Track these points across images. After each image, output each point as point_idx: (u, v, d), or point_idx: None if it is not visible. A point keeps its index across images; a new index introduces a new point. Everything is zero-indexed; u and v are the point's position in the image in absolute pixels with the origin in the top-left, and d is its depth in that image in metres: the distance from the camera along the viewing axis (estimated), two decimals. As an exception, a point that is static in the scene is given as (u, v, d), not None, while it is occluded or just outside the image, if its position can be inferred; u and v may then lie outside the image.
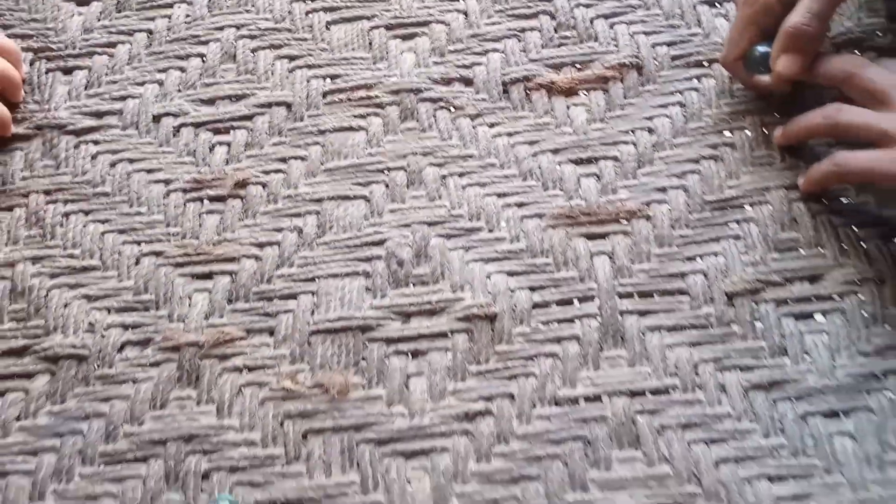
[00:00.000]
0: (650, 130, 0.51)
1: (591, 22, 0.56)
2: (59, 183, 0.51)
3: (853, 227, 0.47)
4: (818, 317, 0.45)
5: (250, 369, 0.45)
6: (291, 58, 0.55)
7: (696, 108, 0.52)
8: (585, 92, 0.53)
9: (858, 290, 0.45)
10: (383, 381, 0.44)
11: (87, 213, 0.50)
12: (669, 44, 0.55)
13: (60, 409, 0.44)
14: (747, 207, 0.49)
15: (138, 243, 0.49)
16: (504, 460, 0.42)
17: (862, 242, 0.47)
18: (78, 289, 0.47)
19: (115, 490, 0.41)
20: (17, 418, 0.44)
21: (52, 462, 0.42)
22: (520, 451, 0.42)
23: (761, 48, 0.49)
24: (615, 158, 0.50)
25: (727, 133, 0.51)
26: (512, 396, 0.43)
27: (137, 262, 0.48)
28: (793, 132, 0.48)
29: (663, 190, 0.49)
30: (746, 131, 0.51)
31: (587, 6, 0.56)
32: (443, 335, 0.45)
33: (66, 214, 0.50)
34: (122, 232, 0.49)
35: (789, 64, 0.47)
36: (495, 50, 0.55)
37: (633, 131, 0.51)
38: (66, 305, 0.47)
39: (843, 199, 0.48)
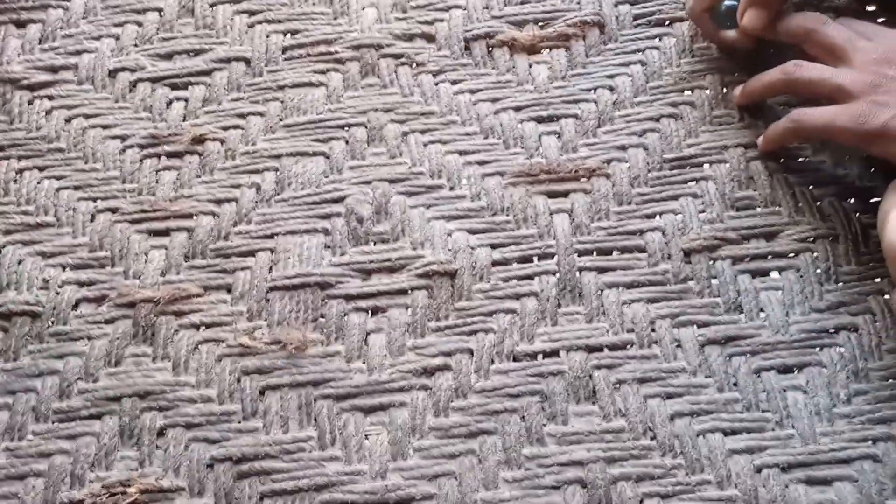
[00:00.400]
0: (611, 89, 0.51)
1: (555, -21, 0.55)
2: (12, 139, 0.50)
3: (808, 186, 0.48)
4: (773, 274, 0.46)
5: (207, 326, 0.44)
6: (251, 13, 0.54)
7: (656, 66, 0.52)
8: (547, 50, 0.53)
9: (812, 247, 0.46)
10: (342, 337, 0.44)
11: (41, 169, 0.49)
12: (632, 2, 0.54)
13: (13, 367, 0.43)
14: (705, 166, 0.49)
15: (94, 200, 0.48)
16: (462, 414, 0.42)
17: (817, 201, 0.47)
18: (32, 245, 0.46)
19: (69, 447, 0.41)
20: (-31, 375, 0.43)
21: (5, 419, 0.42)
22: (478, 405, 0.42)
23: (728, 2, 0.49)
24: (576, 116, 0.50)
25: (687, 92, 0.51)
26: (471, 352, 0.44)
27: (93, 219, 0.47)
28: (752, 90, 0.49)
29: (623, 148, 0.49)
30: (706, 90, 0.51)
31: (551, -36, 0.56)
32: (402, 292, 0.45)
33: (20, 171, 0.49)
34: (77, 188, 0.48)
35: (755, 18, 0.47)
36: (458, 6, 0.54)
37: (594, 90, 0.51)
38: (19, 262, 0.46)
39: (800, 159, 0.49)
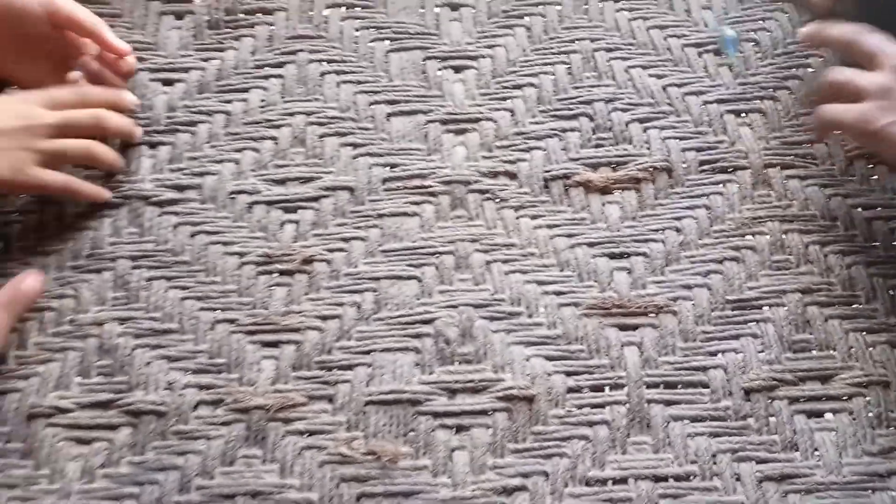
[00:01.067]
0: (678, 230, 0.57)
1: (627, 125, 0.61)
2: (143, 250, 0.57)
3: (862, 332, 0.52)
4: (828, 415, 0.50)
5: (311, 433, 0.49)
6: (355, 145, 0.61)
7: (720, 211, 0.57)
8: (619, 191, 0.58)
9: (865, 392, 0.50)
10: (430, 452, 0.49)
11: (168, 279, 0.55)
12: (698, 149, 0.60)
13: (140, 460, 0.49)
14: (765, 308, 0.53)
15: (213, 310, 0.54)
16: (537, 533, 0.46)
17: (870, 347, 0.51)
18: (158, 349, 0.53)
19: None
20: (102, 466, 0.49)
21: (131, 509, 0.47)
22: (551, 525, 0.46)
23: None
24: (645, 255, 0.56)
25: (748, 237, 0.56)
26: (546, 475, 0.48)
27: (212, 328, 0.53)
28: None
29: (689, 287, 0.54)
30: (766, 236, 0.56)
31: (623, 110, 0.62)
32: (484, 413, 0.50)
33: (150, 280, 0.55)
34: (199, 299, 0.55)
35: None
36: (538, 148, 0.60)
37: (662, 230, 0.57)
38: (147, 364, 0.52)
39: (854, 305, 0.53)
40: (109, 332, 0.53)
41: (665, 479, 0.48)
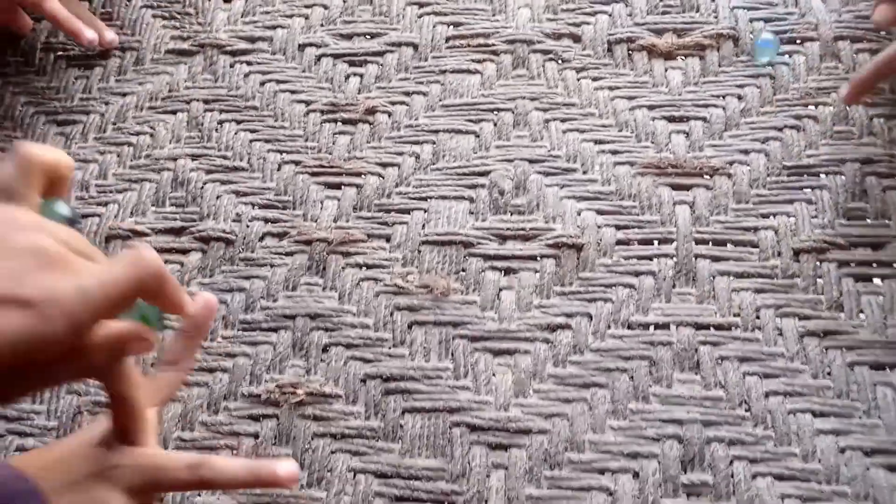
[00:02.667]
0: (739, 97, 0.56)
1: (697, -6, 0.60)
2: (216, 94, 0.59)
3: (921, 203, 0.51)
4: (876, 280, 0.50)
5: (368, 267, 0.52)
6: (420, 4, 0.62)
7: (784, 81, 0.56)
8: (683, 57, 0.58)
9: (917, 260, 0.50)
10: (479, 289, 0.51)
11: (238, 122, 0.58)
12: (766, 20, 0.59)
13: (209, 282, 0.52)
14: (822, 176, 0.53)
15: (280, 152, 0.57)
16: (578, 367, 0.48)
17: (927, 218, 0.51)
18: (228, 185, 0.56)
19: (251, 352, 0.50)
20: (174, 285, 0.53)
21: (201, 323, 0.51)
22: (592, 361, 0.48)
23: None
24: (704, 119, 0.56)
25: (811, 107, 0.56)
26: (590, 316, 0.50)
27: (279, 168, 0.56)
28: (858, 82, 0.52)
29: (746, 152, 0.54)
30: (829, 107, 0.55)
31: (694, -21, 0.61)
32: (533, 258, 0.52)
33: (221, 122, 0.58)
34: (267, 141, 0.57)
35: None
36: (604, 12, 0.60)
37: (723, 97, 0.56)
38: (218, 197, 0.55)
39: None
40: (183, 166, 0.57)
41: (707, 327, 0.49)
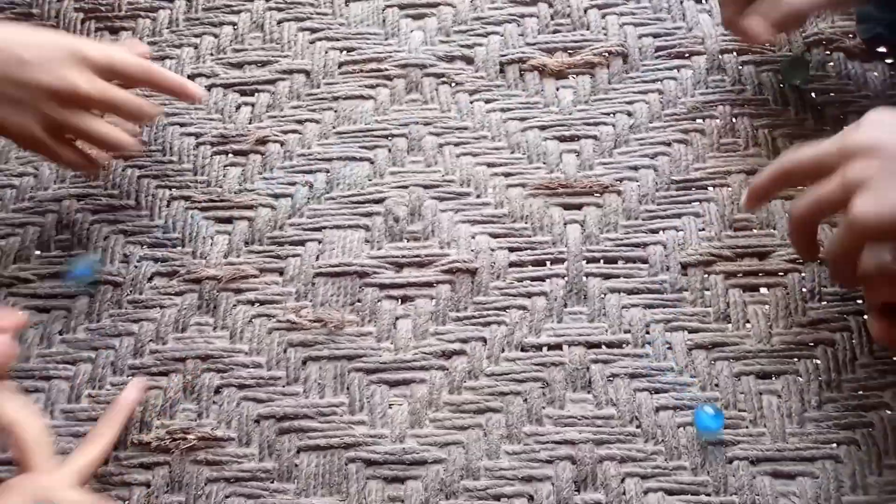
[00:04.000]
0: (629, 114, 0.57)
1: (585, 11, 0.61)
2: (102, 131, 0.58)
3: (802, 212, 0.53)
4: (762, 290, 0.51)
5: (261, 303, 0.52)
6: (312, 30, 0.61)
7: (672, 95, 0.57)
8: (574, 76, 0.59)
9: (801, 268, 0.51)
10: (375, 320, 0.51)
11: (125, 159, 0.57)
12: (655, 35, 0.60)
13: (97, 327, 0.51)
14: (710, 188, 0.54)
15: (169, 188, 0.56)
16: (473, 393, 0.48)
17: (808, 226, 0.52)
18: (116, 224, 0.54)
19: (140, 397, 0.49)
20: (60, 332, 0.51)
21: (88, 371, 0.50)
22: (487, 386, 0.48)
23: None
24: (595, 137, 0.56)
25: (699, 120, 0.57)
26: (484, 340, 0.50)
27: (168, 205, 0.55)
28: (756, 190, 0.48)
29: (635, 168, 0.55)
30: (716, 120, 0.56)
31: (583, -4, 0.62)
32: (429, 284, 0.52)
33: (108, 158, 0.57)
34: (156, 177, 0.56)
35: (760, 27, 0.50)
36: (495, 32, 0.60)
37: (613, 114, 0.57)
38: (105, 238, 0.54)
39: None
40: (68, 207, 0.55)
41: (598, 345, 0.49)
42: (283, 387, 0.49)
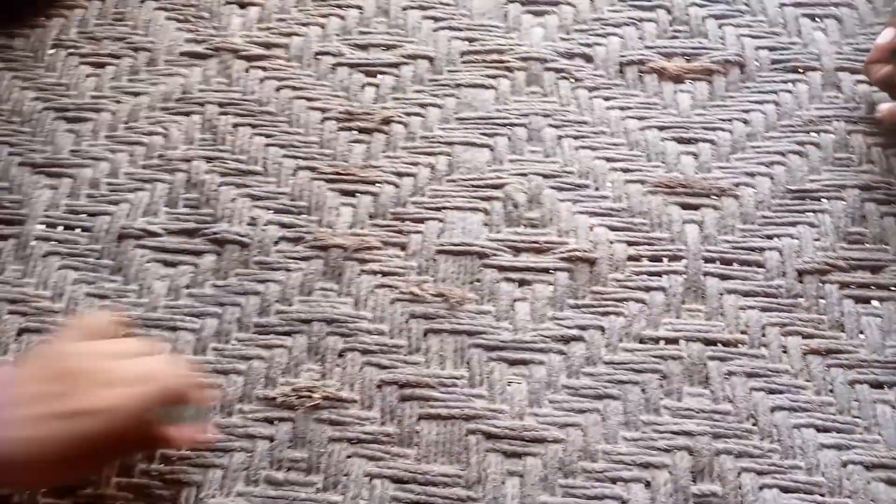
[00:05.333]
0: (745, 122, 0.58)
1: (703, 20, 0.62)
2: (230, 98, 0.59)
3: (917, 230, 0.54)
4: (875, 302, 0.52)
5: (384, 274, 0.53)
6: (436, 19, 0.63)
7: (788, 107, 0.59)
8: (691, 81, 0.60)
9: (914, 283, 0.52)
10: (493, 300, 0.52)
11: (253, 126, 0.58)
12: (771, 48, 0.61)
13: (223, 284, 0.52)
14: (824, 200, 0.55)
15: (296, 158, 0.57)
16: (591, 379, 0.49)
17: (923, 244, 0.53)
18: (243, 188, 0.56)
19: (265, 355, 0.50)
20: (187, 286, 0.52)
21: (214, 325, 0.51)
22: (605, 373, 0.49)
23: None
24: (712, 142, 0.57)
25: (813, 133, 0.58)
26: (602, 329, 0.51)
27: (294, 174, 0.56)
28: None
29: (752, 175, 0.56)
30: (831, 135, 0.57)
31: (700, 6, 0.63)
32: (546, 270, 0.53)
33: (236, 126, 0.58)
34: (282, 147, 0.57)
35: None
36: (615, 34, 0.62)
37: (730, 121, 0.58)
38: (232, 200, 0.55)
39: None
40: (197, 168, 0.56)
41: (714, 343, 0.50)
42: (405, 355, 0.50)
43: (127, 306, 0.52)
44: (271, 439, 0.47)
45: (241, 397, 0.49)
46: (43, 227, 0.55)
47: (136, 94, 0.60)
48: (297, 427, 0.48)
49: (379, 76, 0.60)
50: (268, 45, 0.62)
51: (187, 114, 0.59)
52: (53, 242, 0.54)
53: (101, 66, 0.61)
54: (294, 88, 0.60)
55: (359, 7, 0.63)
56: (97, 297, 0.52)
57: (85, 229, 0.55)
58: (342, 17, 0.63)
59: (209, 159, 0.57)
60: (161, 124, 0.58)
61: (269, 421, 0.48)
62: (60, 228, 0.55)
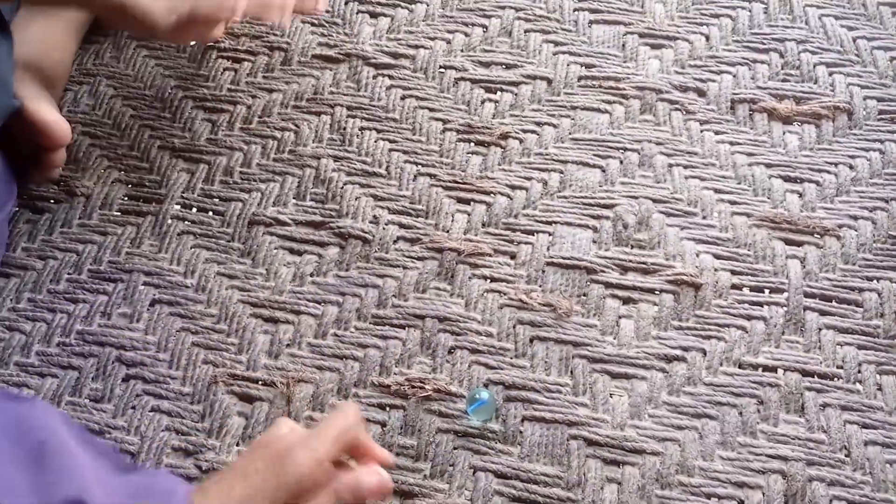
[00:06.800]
0: (850, 167, 0.60)
1: (814, 67, 0.64)
2: (359, 102, 0.63)
3: None
4: (970, 354, 0.53)
5: (494, 280, 0.55)
6: (556, 43, 0.66)
7: (893, 157, 0.60)
8: (800, 123, 0.62)
9: None
10: (599, 314, 0.54)
11: (378, 131, 0.62)
12: (879, 99, 0.63)
13: (345, 275, 0.56)
14: (927, 249, 0.57)
15: (417, 164, 0.60)
16: (691, 398, 0.51)
17: None
18: (367, 188, 0.59)
19: (381, 344, 0.53)
20: (311, 274, 0.56)
21: (335, 312, 0.54)
22: (705, 394, 0.51)
23: None
24: (817, 183, 0.59)
25: (919, 184, 0.59)
26: (704, 352, 0.53)
27: (415, 179, 0.60)
28: None
29: (855, 218, 0.58)
30: (937, 186, 0.59)
31: (813, 53, 0.65)
32: (652, 291, 0.55)
33: (362, 129, 0.62)
34: (405, 153, 0.61)
35: None
36: (728, 72, 0.64)
37: (836, 164, 0.60)
38: (357, 199, 0.59)
39: None
40: (325, 165, 0.60)
41: (812, 374, 0.52)
42: (512, 358, 0.53)
43: (255, 288, 0.55)
44: (383, 425, 0.50)
45: (357, 382, 0.52)
46: (179, 207, 0.59)
47: (269, 91, 0.64)
48: (409, 415, 0.50)
49: (498, 93, 0.64)
50: (395, 55, 0.65)
51: (318, 114, 0.63)
52: (188, 223, 0.58)
53: (239, 61, 0.66)
54: (418, 98, 0.63)
55: (483, 26, 0.67)
56: (226, 276, 0.56)
57: (217, 213, 0.59)
58: (467, 35, 0.66)
59: (337, 158, 0.61)
60: (293, 121, 0.62)
61: (382, 407, 0.51)
62: (195, 210, 0.59)
